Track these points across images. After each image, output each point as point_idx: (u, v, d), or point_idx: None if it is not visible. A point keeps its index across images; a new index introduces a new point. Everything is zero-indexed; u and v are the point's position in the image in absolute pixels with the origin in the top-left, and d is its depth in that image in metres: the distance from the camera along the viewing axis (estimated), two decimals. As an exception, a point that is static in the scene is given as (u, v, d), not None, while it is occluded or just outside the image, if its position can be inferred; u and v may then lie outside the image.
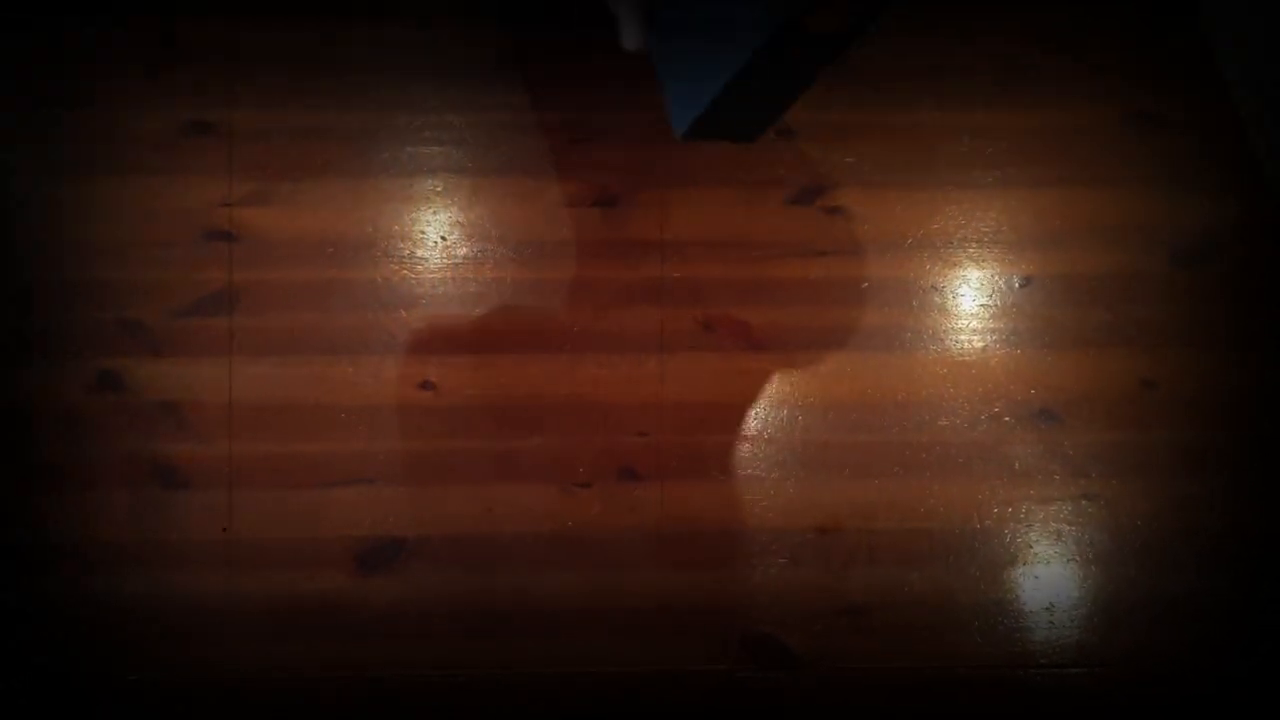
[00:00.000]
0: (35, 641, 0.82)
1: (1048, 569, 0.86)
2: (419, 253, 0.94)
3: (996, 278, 1.02)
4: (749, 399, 0.94)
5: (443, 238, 0.94)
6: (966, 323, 0.98)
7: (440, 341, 0.96)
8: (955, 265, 1.02)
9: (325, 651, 0.83)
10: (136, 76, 1.11)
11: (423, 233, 0.94)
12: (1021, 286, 1.01)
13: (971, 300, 1.00)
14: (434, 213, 0.94)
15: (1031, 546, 0.87)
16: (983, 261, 1.02)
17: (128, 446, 0.90)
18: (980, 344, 0.97)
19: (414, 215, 0.95)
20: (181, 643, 0.82)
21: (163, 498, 0.88)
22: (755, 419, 0.93)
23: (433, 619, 0.84)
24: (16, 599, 0.83)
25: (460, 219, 0.94)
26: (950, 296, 1.00)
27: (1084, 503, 0.89)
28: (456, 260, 0.93)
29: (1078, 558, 0.86)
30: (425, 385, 0.94)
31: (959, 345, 0.97)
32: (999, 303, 1.00)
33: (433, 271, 0.94)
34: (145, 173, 1.05)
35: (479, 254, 0.94)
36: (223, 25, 1.15)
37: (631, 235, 0.94)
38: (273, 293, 0.99)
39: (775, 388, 0.94)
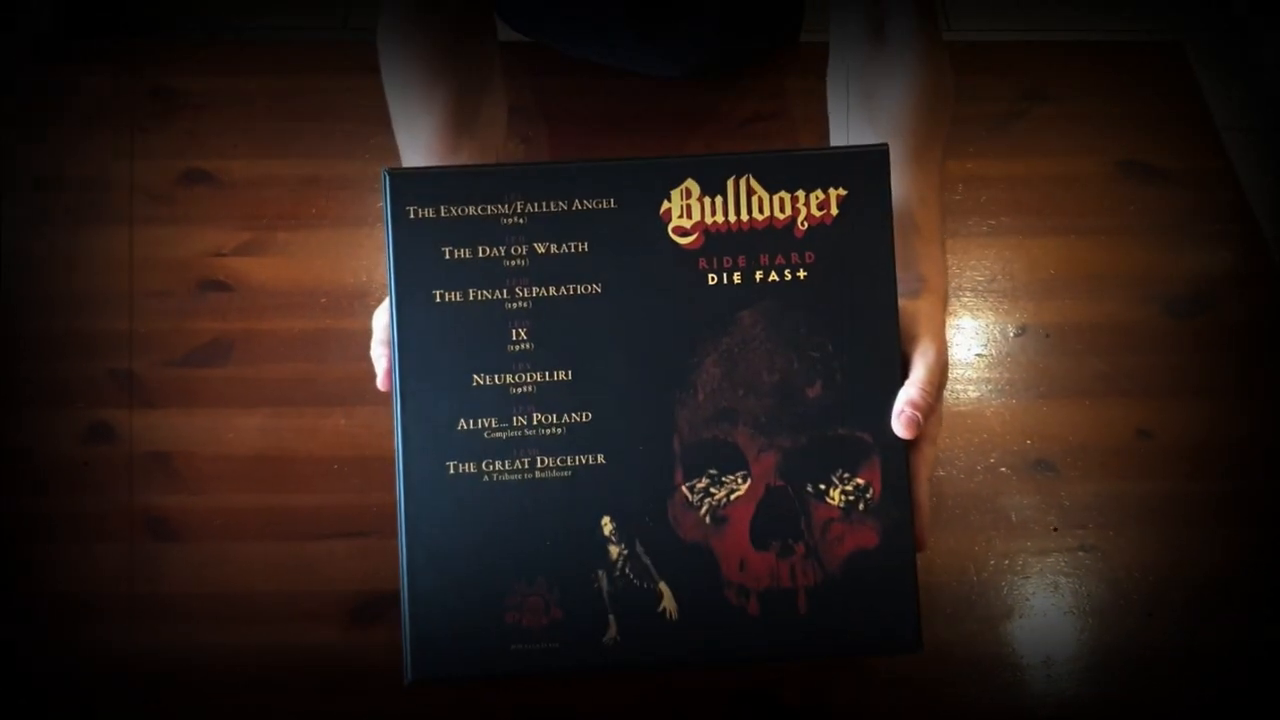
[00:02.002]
0: (22, 694, 0.81)
1: (1045, 621, 0.85)
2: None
3: (991, 327, 1.01)
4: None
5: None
6: (962, 372, 0.98)
7: (434, 393, 0.96)
8: (950, 314, 1.02)
9: (318, 706, 0.82)
10: (131, 126, 1.11)
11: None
12: (1016, 336, 1.01)
13: (966, 349, 1.00)
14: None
15: (1029, 599, 0.86)
16: (977, 311, 1.02)
17: (119, 498, 0.90)
18: (975, 394, 0.97)
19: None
20: (172, 696, 0.82)
21: (154, 550, 0.88)
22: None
23: (426, 673, 0.83)
24: (4, 651, 0.83)
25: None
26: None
27: (1081, 554, 0.88)
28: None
29: (1075, 610, 0.86)
30: (419, 436, 0.94)
31: (954, 395, 0.97)
32: (994, 352, 1.00)
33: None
34: (139, 223, 1.05)
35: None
36: (217, 75, 1.16)
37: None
38: (267, 343, 0.98)
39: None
